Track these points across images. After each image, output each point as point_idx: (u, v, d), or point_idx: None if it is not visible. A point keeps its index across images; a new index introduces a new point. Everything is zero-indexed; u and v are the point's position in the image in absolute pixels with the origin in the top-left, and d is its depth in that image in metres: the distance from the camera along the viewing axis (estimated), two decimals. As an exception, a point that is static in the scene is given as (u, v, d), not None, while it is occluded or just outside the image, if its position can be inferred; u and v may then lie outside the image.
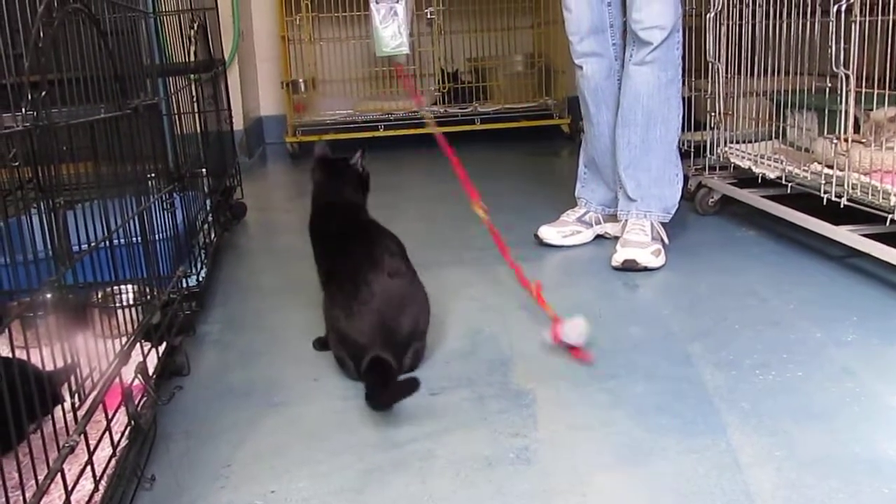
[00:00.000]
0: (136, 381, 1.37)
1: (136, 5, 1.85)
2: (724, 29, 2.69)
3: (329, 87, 4.74)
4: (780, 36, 2.44)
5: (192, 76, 2.51)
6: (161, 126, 2.02)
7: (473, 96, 4.66)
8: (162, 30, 2.39)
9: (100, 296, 1.76)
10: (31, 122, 0.98)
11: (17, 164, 1.01)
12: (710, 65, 2.76)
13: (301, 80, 4.55)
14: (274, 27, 4.59)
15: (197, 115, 2.54)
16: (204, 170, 2.57)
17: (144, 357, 1.44)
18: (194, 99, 2.51)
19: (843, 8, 2.03)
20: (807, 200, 2.29)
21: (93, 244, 1.33)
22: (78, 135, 1.27)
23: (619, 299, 2.09)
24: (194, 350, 1.83)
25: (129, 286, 1.74)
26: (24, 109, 0.96)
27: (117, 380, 1.28)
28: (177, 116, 2.35)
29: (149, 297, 1.66)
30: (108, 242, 1.36)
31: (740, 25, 2.64)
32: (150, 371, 1.45)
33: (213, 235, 2.40)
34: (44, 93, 0.98)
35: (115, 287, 1.75)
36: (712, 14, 2.69)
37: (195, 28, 2.48)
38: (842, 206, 2.13)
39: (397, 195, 3.40)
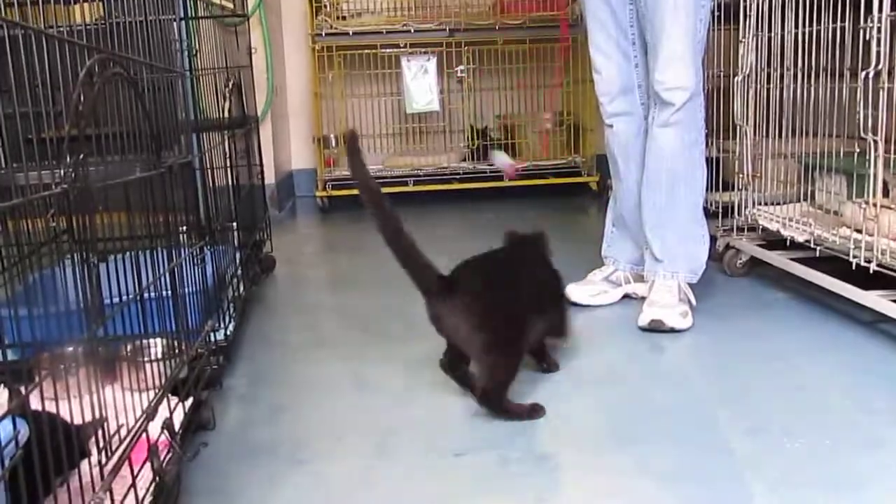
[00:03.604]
0: (163, 437, 1.38)
1: (174, 66, 1.90)
2: (752, 92, 2.70)
3: (360, 143, 4.78)
4: (808, 99, 2.45)
5: (225, 132, 2.56)
6: (194, 182, 2.06)
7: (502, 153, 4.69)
8: (197, 87, 2.45)
9: (129, 349, 1.78)
10: (68, 182, 1.01)
11: (53, 222, 1.04)
12: (738, 127, 2.77)
13: (332, 136, 4.62)
14: (307, 83, 4.67)
15: (229, 170, 2.58)
16: (235, 223, 2.61)
17: (171, 412, 1.45)
18: (227, 154, 2.55)
19: (872, 74, 2.04)
20: (837, 263, 2.28)
21: (124, 300, 1.35)
22: (113, 188, 1.30)
23: (646, 361, 2.08)
24: (220, 404, 1.84)
25: (158, 340, 1.76)
26: (62, 171, 0.99)
27: (144, 435, 1.29)
28: (209, 171, 2.40)
29: (177, 351, 1.68)
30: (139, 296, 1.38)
31: (768, 89, 2.66)
32: (177, 426, 1.46)
33: (241, 289, 2.43)
34: (82, 155, 1.01)
35: (145, 340, 1.77)
36: (740, 77, 2.71)
37: (230, 86, 2.53)
38: (871, 271, 2.11)
39: (425, 250, 3.41)
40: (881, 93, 2.04)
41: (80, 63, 1.16)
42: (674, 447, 1.58)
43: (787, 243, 2.51)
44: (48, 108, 1.09)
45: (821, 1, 2.30)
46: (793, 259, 2.49)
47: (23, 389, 1.14)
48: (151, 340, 1.77)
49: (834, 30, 2.28)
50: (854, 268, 2.18)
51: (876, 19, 2.03)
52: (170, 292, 1.62)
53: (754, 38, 2.67)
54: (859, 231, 2.19)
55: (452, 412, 1.76)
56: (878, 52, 2.04)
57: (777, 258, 2.56)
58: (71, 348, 1.55)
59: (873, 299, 2.10)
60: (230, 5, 2.71)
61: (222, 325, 2.06)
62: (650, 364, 2.07)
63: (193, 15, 2.30)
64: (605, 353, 2.17)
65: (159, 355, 1.73)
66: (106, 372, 1.53)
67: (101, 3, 1.68)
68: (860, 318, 2.24)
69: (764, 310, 2.44)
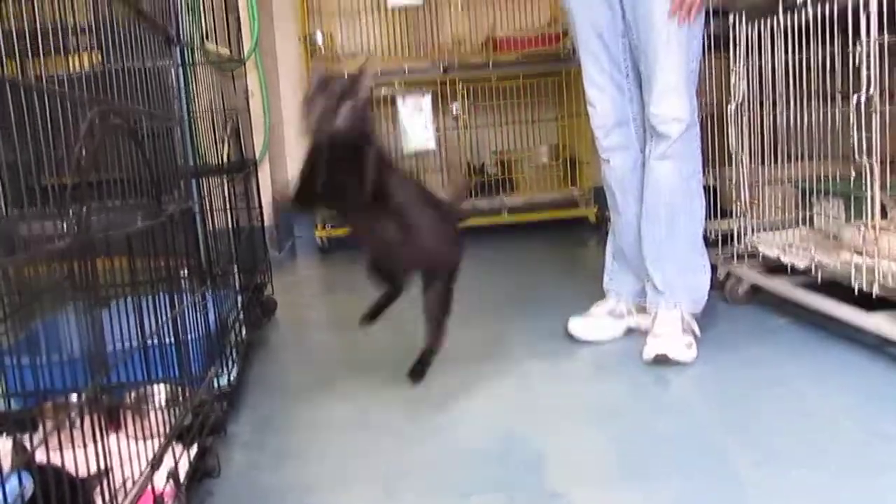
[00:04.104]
0: (168, 487, 1.37)
1: (172, 112, 1.91)
2: (745, 119, 2.72)
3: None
4: (802, 124, 2.46)
5: (225, 176, 2.57)
6: (195, 227, 2.06)
7: (499, 189, 4.71)
8: (196, 132, 2.46)
9: (132, 397, 1.77)
10: (72, 235, 1.01)
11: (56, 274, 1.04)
12: (733, 154, 2.78)
13: (330, 176, 4.62)
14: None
15: (229, 213, 2.59)
16: (235, 267, 2.61)
17: (176, 461, 1.44)
18: (227, 198, 2.56)
19: (864, 99, 2.05)
20: (840, 287, 2.28)
21: (127, 349, 1.35)
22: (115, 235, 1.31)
23: (652, 394, 2.07)
24: (225, 451, 1.82)
25: (162, 387, 1.75)
26: (65, 224, 1.00)
27: (149, 485, 1.29)
28: (209, 215, 2.40)
29: (181, 398, 1.67)
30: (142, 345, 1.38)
31: (761, 115, 2.68)
32: (182, 475, 1.45)
33: (243, 333, 2.42)
34: (84, 208, 1.01)
35: (148, 387, 1.77)
36: (733, 105, 2.73)
37: (228, 131, 2.55)
38: (873, 295, 2.11)
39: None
40: (874, 116, 2.06)
41: (80, 111, 1.17)
42: (683, 480, 1.57)
43: (788, 269, 2.51)
44: (49, 156, 1.10)
45: (809, 27, 2.32)
46: (794, 285, 2.49)
47: (27, 441, 1.14)
48: (155, 387, 1.77)
49: (823, 55, 2.31)
50: (857, 292, 2.18)
51: (864, 43, 2.05)
52: (173, 339, 1.62)
53: (745, 67, 2.69)
54: (860, 254, 2.19)
55: (459, 452, 1.75)
56: (869, 76, 2.05)
57: (778, 285, 2.56)
58: (74, 397, 1.55)
59: (877, 323, 2.09)
60: (226, 52, 2.74)
61: (225, 371, 2.06)
62: (656, 396, 2.06)
63: (191, 61, 2.32)
64: (610, 386, 2.16)
65: (163, 402, 1.73)
66: (110, 420, 1.53)
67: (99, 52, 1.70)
68: (864, 342, 2.23)
69: (767, 337, 2.43)
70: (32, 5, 1.19)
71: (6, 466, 0.95)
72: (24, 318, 1.66)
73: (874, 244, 2.12)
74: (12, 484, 0.94)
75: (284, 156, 4.93)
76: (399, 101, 4.39)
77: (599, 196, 3.92)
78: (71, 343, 1.19)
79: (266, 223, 3.46)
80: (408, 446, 1.83)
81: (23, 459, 0.94)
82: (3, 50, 1.22)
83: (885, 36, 2.02)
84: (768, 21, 2.53)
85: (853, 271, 2.18)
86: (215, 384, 1.92)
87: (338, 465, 1.75)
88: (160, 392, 1.76)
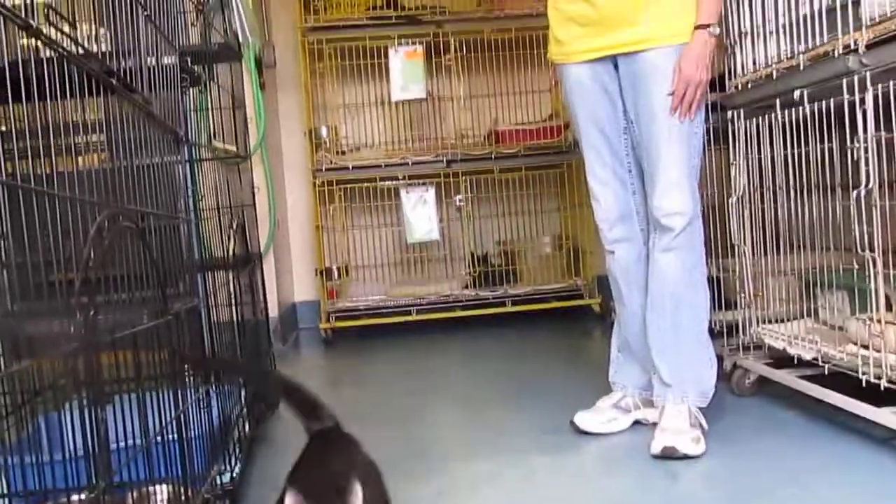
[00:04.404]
0: (169, 591, 1.34)
1: (179, 209, 1.93)
2: (747, 212, 2.74)
3: (362, 273, 4.84)
4: (803, 215, 2.49)
5: (230, 271, 2.59)
6: (200, 324, 2.07)
7: (503, 279, 4.72)
8: (202, 227, 2.49)
9: (134, 497, 1.75)
10: (77, 339, 1.01)
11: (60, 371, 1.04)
12: (735, 246, 2.80)
13: (335, 267, 4.66)
14: (308, 216, 4.74)
15: (234, 308, 2.60)
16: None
17: (178, 564, 1.41)
18: (232, 293, 2.57)
19: (863, 193, 2.07)
20: (847, 379, 2.26)
21: (131, 450, 1.34)
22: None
23: (661, 490, 2.04)
24: (227, 552, 1.79)
25: (164, 486, 1.73)
26: (71, 327, 1.00)
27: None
28: (214, 309, 2.41)
29: (183, 498, 1.65)
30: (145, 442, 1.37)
31: (762, 208, 2.70)
32: (183, 579, 1.42)
33: (247, 429, 2.40)
34: (92, 311, 1.02)
35: (150, 487, 1.74)
36: (735, 198, 2.75)
37: (234, 226, 2.57)
38: (881, 388, 2.10)
39: (429, 379, 3.41)
40: (874, 210, 2.08)
41: (88, 211, 1.19)
42: (695, 581, 1.54)
43: (795, 361, 2.50)
44: (57, 256, 1.11)
45: (807, 122, 2.37)
46: (801, 377, 2.47)
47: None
48: (157, 487, 1.74)
49: (822, 149, 2.34)
50: (864, 384, 2.16)
51: (862, 139, 2.09)
52: (176, 437, 1.61)
53: (745, 160, 2.73)
54: (866, 347, 2.18)
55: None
56: (867, 172, 2.08)
57: (785, 377, 2.54)
58: (76, 498, 1.53)
59: (886, 417, 2.07)
60: (233, 148, 2.79)
61: (228, 468, 2.03)
62: (665, 492, 2.03)
63: (198, 157, 2.36)
64: (618, 480, 2.13)
65: (165, 502, 1.70)
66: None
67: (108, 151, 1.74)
68: (874, 435, 2.20)
69: (776, 430, 2.40)
70: (44, 107, 1.22)
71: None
72: (27, 415, 1.65)
73: (880, 337, 2.11)
74: None
75: (289, 248, 4.97)
76: (403, 193, 4.44)
77: (603, 286, 3.93)
78: (73, 441, 1.18)
79: (270, 315, 3.47)
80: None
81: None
82: (15, 152, 1.25)
83: (883, 132, 2.05)
84: (766, 116, 2.58)
85: (860, 364, 2.17)
86: (218, 481, 1.89)
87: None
88: (162, 492, 1.74)
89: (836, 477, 2.01)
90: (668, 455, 2.18)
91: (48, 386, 1.63)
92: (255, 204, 3.16)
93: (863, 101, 2.07)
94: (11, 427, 1.65)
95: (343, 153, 4.70)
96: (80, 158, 1.96)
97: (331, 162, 4.48)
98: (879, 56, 2.03)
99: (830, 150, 2.30)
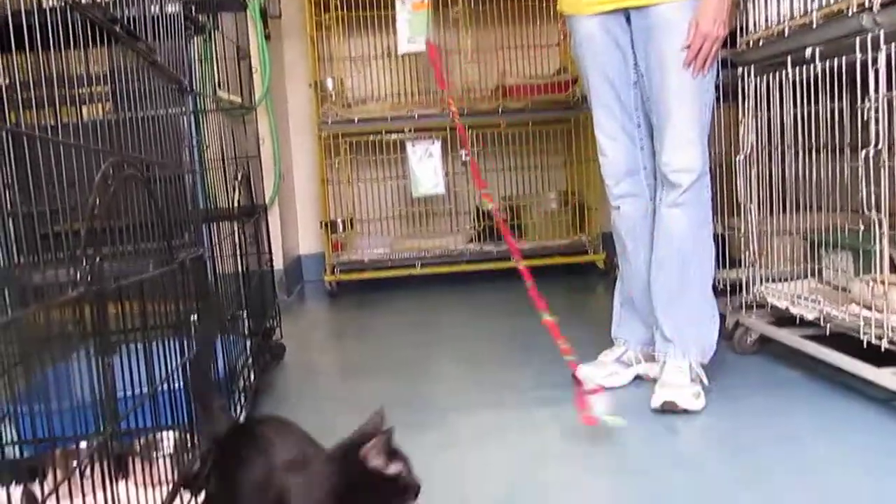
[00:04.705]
0: (175, 537, 1.37)
1: (184, 160, 1.93)
2: (754, 170, 2.73)
3: (367, 226, 4.84)
4: (810, 175, 2.48)
5: (235, 222, 2.60)
6: (205, 274, 2.07)
7: (508, 233, 4.71)
8: (208, 178, 2.49)
9: (141, 444, 1.77)
10: (84, 285, 1.02)
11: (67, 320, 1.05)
12: (741, 205, 2.79)
13: (340, 220, 4.67)
14: (314, 169, 4.73)
15: (239, 258, 2.61)
16: (244, 312, 2.62)
17: (183, 510, 1.44)
18: (237, 243, 2.58)
19: (872, 153, 2.06)
20: (849, 339, 2.27)
21: (137, 397, 1.35)
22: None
23: (660, 444, 2.06)
24: (232, 499, 1.81)
25: (170, 433, 1.75)
26: (78, 274, 1.01)
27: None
28: (219, 260, 2.42)
29: (189, 445, 1.67)
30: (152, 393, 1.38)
31: (770, 167, 2.69)
32: (189, 524, 1.45)
33: (252, 378, 2.42)
34: (98, 259, 1.02)
35: (157, 434, 1.77)
36: (742, 156, 2.74)
37: (239, 178, 2.57)
38: (882, 349, 2.10)
39: (434, 333, 3.43)
40: (882, 171, 2.07)
41: (93, 161, 1.19)
42: (693, 535, 1.56)
43: (797, 320, 2.51)
44: (63, 205, 1.11)
45: (818, 81, 2.35)
46: (803, 336, 2.48)
47: (37, 489, 1.14)
48: (164, 434, 1.76)
49: (832, 109, 2.32)
50: (866, 345, 2.17)
51: (873, 99, 2.07)
52: (181, 385, 1.62)
53: (753, 118, 2.71)
54: (869, 308, 2.19)
55: (466, 502, 1.74)
56: (877, 132, 2.07)
57: (787, 336, 2.55)
58: (84, 444, 1.55)
59: (887, 377, 2.08)
60: (238, 99, 2.77)
61: (234, 415, 2.05)
62: (664, 447, 2.05)
63: (203, 108, 2.35)
64: (618, 435, 2.15)
65: (171, 449, 1.72)
66: (118, 467, 1.52)
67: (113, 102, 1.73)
68: (874, 396, 2.22)
69: (776, 389, 2.42)
70: (47, 57, 1.21)
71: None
72: (34, 364, 1.67)
73: (883, 298, 2.11)
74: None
75: (294, 200, 4.97)
76: (409, 147, 4.43)
77: (608, 242, 3.94)
78: (81, 390, 1.20)
79: (276, 267, 3.48)
80: (415, 496, 1.82)
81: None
82: (20, 100, 1.24)
83: (894, 92, 2.03)
84: (777, 74, 2.55)
85: (862, 325, 2.18)
86: (223, 431, 1.91)
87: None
88: (169, 439, 1.76)
89: (835, 436, 2.03)
90: (668, 409, 2.20)
91: (56, 335, 1.64)
92: (259, 156, 3.15)
93: (875, 60, 2.05)
94: (20, 376, 1.67)
95: (349, 106, 4.67)
96: (84, 109, 1.96)
97: (336, 114, 4.46)
98: (893, 15, 2.00)
99: (840, 109, 2.28)
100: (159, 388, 1.45)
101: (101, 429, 1.19)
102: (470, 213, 4.85)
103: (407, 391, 2.53)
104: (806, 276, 2.68)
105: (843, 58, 2.19)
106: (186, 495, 1.51)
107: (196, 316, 1.83)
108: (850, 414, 2.16)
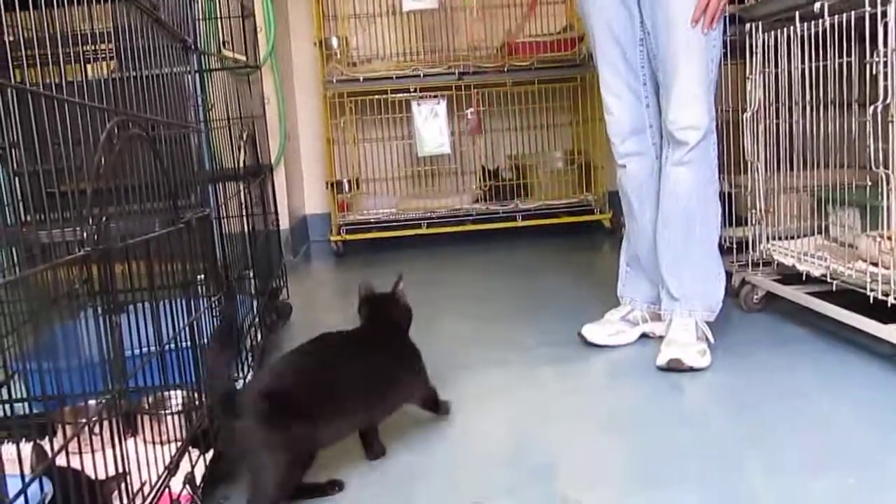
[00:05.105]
0: (185, 491, 1.39)
1: (189, 119, 1.93)
2: (761, 127, 2.71)
3: (372, 186, 4.84)
4: (818, 132, 2.46)
5: (241, 182, 2.59)
6: (211, 233, 2.08)
7: (514, 193, 4.71)
8: (213, 138, 2.48)
9: (150, 401, 1.79)
10: (90, 245, 1.02)
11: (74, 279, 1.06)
12: (748, 162, 2.78)
13: (345, 180, 4.66)
14: (319, 129, 4.72)
15: (245, 218, 2.61)
16: (251, 272, 2.63)
17: (192, 466, 1.46)
18: (243, 203, 2.58)
19: (880, 108, 2.05)
20: (854, 295, 2.27)
21: (145, 355, 1.37)
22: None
23: (666, 401, 2.07)
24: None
25: (178, 392, 1.77)
26: (84, 233, 1.01)
27: (166, 490, 1.30)
28: (225, 220, 2.42)
29: (197, 403, 1.69)
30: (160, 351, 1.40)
31: (777, 123, 2.67)
32: (198, 479, 1.47)
33: (259, 338, 2.44)
34: (104, 218, 1.02)
35: (165, 392, 1.78)
36: (749, 113, 2.72)
37: (244, 137, 2.56)
38: (889, 305, 2.10)
39: (440, 292, 3.44)
40: (891, 126, 2.05)
41: (98, 120, 1.19)
42: (697, 489, 1.57)
43: (803, 277, 2.51)
44: (68, 164, 1.11)
45: (826, 36, 2.32)
46: (809, 293, 2.49)
47: (46, 445, 1.15)
48: (172, 392, 1.78)
49: (840, 64, 2.30)
50: (872, 301, 2.17)
51: (881, 53, 2.05)
52: (189, 344, 1.64)
53: (761, 74, 2.68)
54: (875, 264, 2.18)
55: (470, 459, 1.76)
56: (886, 87, 2.05)
57: (793, 293, 2.55)
58: (93, 402, 1.57)
59: (892, 333, 2.08)
60: (242, 58, 2.75)
61: (240, 376, 2.07)
62: (670, 404, 2.06)
63: (207, 67, 2.33)
64: (624, 393, 2.16)
65: (180, 407, 1.74)
66: (127, 425, 1.54)
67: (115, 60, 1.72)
68: (880, 352, 2.23)
69: (782, 346, 2.43)
70: (51, 14, 1.21)
71: (27, 470, 0.96)
72: (43, 322, 1.68)
73: (890, 254, 2.11)
74: (33, 489, 0.95)
75: (300, 160, 4.96)
76: (414, 106, 4.40)
77: (614, 201, 3.93)
78: (90, 348, 1.21)
79: (281, 227, 3.49)
80: (420, 451, 1.83)
81: (44, 468, 0.95)
82: (24, 59, 1.24)
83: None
84: (785, 29, 2.52)
85: (868, 281, 2.18)
86: (231, 389, 1.92)
87: (351, 470, 1.76)
88: (177, 397, 1.78)
89: (841, 391, 2.04)
90: (674, 367, 2.21)
91: (63, 294, 1.65)
92: (265, 115, 3.14)
93: (884, 13, 2.02)
94: (29, 334, 1.68)
95: (354, 65, 4.64)
96: (88, 67, 1.95)
97: (341, 73, 4.43)
98: (904, -33, 1.98)
99: (849, 64, 2.26)
100: (167, 347, 1.46)
101: (110, 387, 1.21)
102: (476, 172, 4.84)
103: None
104: (813, 233, 2.67)
105: (852, 12, 2.16)
106: (195, 452, 1.52)
107: (203, 276, 1.84)
108: (856, 370, 2.17)
